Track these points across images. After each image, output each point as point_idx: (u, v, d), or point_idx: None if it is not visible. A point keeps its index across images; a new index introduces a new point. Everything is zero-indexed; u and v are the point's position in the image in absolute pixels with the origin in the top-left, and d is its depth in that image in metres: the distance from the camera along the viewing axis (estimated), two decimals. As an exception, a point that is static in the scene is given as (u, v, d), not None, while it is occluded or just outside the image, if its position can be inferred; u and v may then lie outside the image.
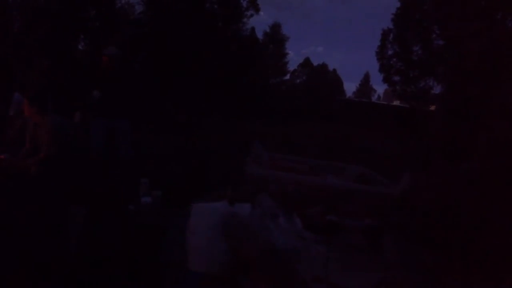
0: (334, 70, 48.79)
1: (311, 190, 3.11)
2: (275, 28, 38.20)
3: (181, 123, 9.66)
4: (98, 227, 3.17)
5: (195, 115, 11.68)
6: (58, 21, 14.23)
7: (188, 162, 4.98)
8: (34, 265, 2.50)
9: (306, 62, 45.59)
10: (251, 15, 24.41)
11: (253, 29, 28.13)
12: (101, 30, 17.31)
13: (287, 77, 40.49)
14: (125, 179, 4.42)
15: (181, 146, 6.38)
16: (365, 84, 53.05)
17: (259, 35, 33.73)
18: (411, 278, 2.47)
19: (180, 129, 8.73)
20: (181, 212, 2.84)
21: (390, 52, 28.16)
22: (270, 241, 2.26)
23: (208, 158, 5.06)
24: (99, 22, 17.68)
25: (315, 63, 46.21)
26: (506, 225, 2.61)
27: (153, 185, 3.91)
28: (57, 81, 9.24)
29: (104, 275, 2.60)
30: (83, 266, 2.71)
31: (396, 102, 34.39)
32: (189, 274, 2.23)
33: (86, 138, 4.77)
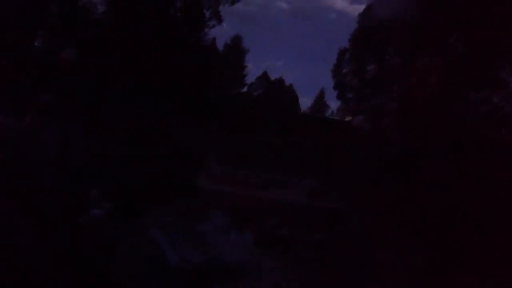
0: (291, 85, 49.68)
1: (263, 204, 3.13)
2: (236, 40, 38.48)
3: (135, 131, 9.44)
4: (46, 240, 3.00)
5: (150, 122, 11.46)
6: (13, 14, 13.51)
7: (140, 172, 4.88)
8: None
9: (264, 76, 46.16)
10: (213, 26, 24.49)
11: (214, 39, 28.20)
12: (61, 28, 16.67)
13: (245, 89, 40.74)
14: (75, 189, 4.23)
15: (134, 155, 6.24)
16: (320, 100, 54.44)
17: (220, 46, 33.83)
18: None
19: (134, 136, 8.53)
20: (133, 226, 2.77)
21: (345, 70, 29.29)
22: (220, 256, 2.25)
23: (161, 168, 4.98)
24: (60, 19, 17.04)
25: (273, 77, 46.84)
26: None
27: (105, 196, 3.77)
28: (6, 80, 8.75)
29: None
30: (30, 280, 2.55)
31: (348, 118, 35.56)
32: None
33: (36, 143, 4.55)
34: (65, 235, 3.13)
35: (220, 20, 24.83)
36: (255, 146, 11.46)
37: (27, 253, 2.82)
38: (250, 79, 44.87)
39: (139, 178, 4.38)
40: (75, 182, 4.35)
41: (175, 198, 3.19)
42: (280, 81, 47.63)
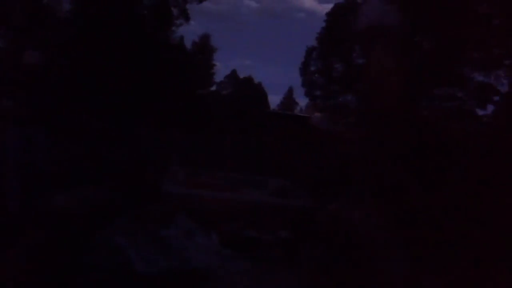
0: (260, 83, 49.86)
1: (229, 206, 3.15)
2: (204, 38, 38.21)
3: (100, 132, 9.23)
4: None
5: (116, 124, 11.24)
6: None
7: (105, 176, 4.78)
8: None
9: (233, 74, 46.13)
10: (181, 24, 24.22)
11: (182, 37, 27.89)
12: (25, 27, 16.03)
13: (214, 88, 40.57)
14: (40, 195, 4.09)
15: (99, 157, 6.10)
16: (288, 98, 54.96)
17: (188, 44, 33.50)
18: (328, 284, 2.59)
19: (99, 138, 8.33)
20: (99, 232, 2.71)
21: (313, 69, 29.73)
22: (187, 260, 2.25)
23: (126, 171, 4.90)
24: (23, 17, 16.39)
25: (241, 76, 46.88)
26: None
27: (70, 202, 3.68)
28: None
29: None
30: None
31: (317, 115, 36.11)
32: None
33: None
34: (28, 242, 3.03)
35: (187, 18, 24.58)
36: (222, 146, 11.46)
37: None
38: (219, 77, 44.70)
39: (102, 183, 4.29)
40: (38, 188, 4.22)
41: (140, 203, 3.16)
42: (249, 79, 47.74)
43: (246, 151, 10.36)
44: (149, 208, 2.78)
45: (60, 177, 4.88)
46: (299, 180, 4.43)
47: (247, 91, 43.56)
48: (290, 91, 55.56)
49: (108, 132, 9.85)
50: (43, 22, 17.20)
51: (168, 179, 3.36)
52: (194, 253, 2.29)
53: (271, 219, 3.35)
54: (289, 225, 3.30)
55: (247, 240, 2.83)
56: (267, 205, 3.40)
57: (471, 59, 17.68)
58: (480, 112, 17.88)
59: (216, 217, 3.06)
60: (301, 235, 3.19)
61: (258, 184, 4.32)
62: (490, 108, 17.22)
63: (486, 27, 15.88)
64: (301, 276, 2.47)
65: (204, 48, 37.89)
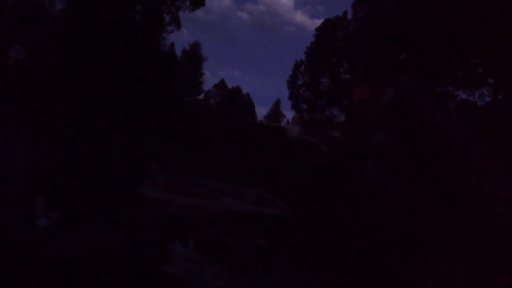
0: (248, 94, 50.16)
1: (207, 213, 3.21)
2: (195, 46, 38.37)
3: (84, 137, 9.19)
4: None
5: (100, 129, 11.18)
6: None
7: (86, 180, 4.78)
8: None
9: (221, 84, 46.31)
10: (172, 31, 24.32)
11: (172, 45, 27.97)
12: (16, 23, 15.89)
13: (201, 96, 40.64)
14: (20, 197, 4.08)
15: (81, 162, 6.09)
16: (275, 109, 55.31)
17: (178, 52, 33.61)
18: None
19: (82, 143, 8.31)
20: (77, 235, 2.74)
21: (300, 82, 30.07)
22: (163, 265, 2.30)
23: (107, 176, 4.91)
24: (16, 13, 16.27)
25: (229, 86, 47.12)
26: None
27: (50, 205, 3.69)
28: None
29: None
30: None
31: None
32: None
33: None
34: (9, 245, 3.03)
35: (179, 26, 24.72)
36: (205, 154, 11.51)
37: None
38: (207, 86, 44.88)
39: (83, 186, 4.30)
40: (20, 189, 4.20)
41: (119, 207, 3.20)
42: (237, 90, 47.97)
43: (229, 160, 10.43)
44: (128, 211, 2.83)
45: (41, 179, 4.87)
46: (277, 189, 4.51)
47: (235, 101, 43.74)
48: (277, 103, 56.01)
49: (91, 134, 9.81)
50: (34, 20, 17.10)
51: (147, 184, 3.41)
52: (168, 256, 2.35)
53: (248, 227, 3.42)
54: (265, 233, 3.37)
55: (223, 246, 2.89)
56: (244, 213, 3.47)
57: (456, 77, 18.13)
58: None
59: (193, 223, 3.11)
60: (276, 242, 3.26)
61: (237, 192, 4.38)
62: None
63: (472, 45, 16.34)
64: (271, 280, 2.55)
65: (194, 57, 38.06)
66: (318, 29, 29.51)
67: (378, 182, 2.52)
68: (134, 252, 2.31)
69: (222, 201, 3.69)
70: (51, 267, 2.38)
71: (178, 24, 24.04)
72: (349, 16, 27.29)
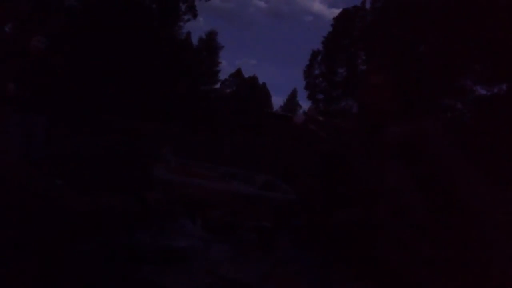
0: (264, 83, 50.10)
1: (216, 195, 3.36)
2: (211, 35, 38.42)
3: (102, 123, 9.47)
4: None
5: (117, 115, 11.47)
6: None
7: (103, 164, 4.99)
8: None
9: (238, 73, 46.31)
10: (188, 20, 24.48)
11: (188, 33, 28.12)
12: (32, 13, 16.25)
13: (218, 85, 40.81)
14: (38, 180, 4.29)
15: (98, 147, 6.31)
16: (292, 100, 55.12)
17: (195, 40, 33.76)
18: (300, 272, 2.77)
19: (100, 129, 8.57)
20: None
21: (316, 72, 29.92)
22: (169, 239, 2.47)
23: (123, 160, 5.11)
24: (31, 3, 16.63)
25: (246, 75, 47.09)
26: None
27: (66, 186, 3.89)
28: None
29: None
30: None
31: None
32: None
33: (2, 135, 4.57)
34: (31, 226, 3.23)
35: (195, 15, 24.85)
36: (219, 141, 11.68)
37: None
38: (224, 75, 45.00)
39: (99, 170, 4.49)
40: (39, 173, 4.41)
41: (133, 189, 3.38)
42: (253, 79, 47.93)
43: (243, 147, 10.59)
44: (142, 192, 3.00)
45: (58, 164, 5.09)
46: (286, 175, 4.64)
47: (251, 90, 43.77)
48: (293, 93, 55.77)
49: (107, 121, 10.08)
50: (50, 10, 17.42)
51: (161, 167, 3.58)
52: (176, 233, 2.51)
53: (254, 209, 3.56)
54: (271, 215, 3.51)
55: (229, 226, 3.04)
56: (251, 196, 3.61)
57: (474, 72, 17.83)
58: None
59: (202, 205, 3.27)
60: (281, 225, 3.40)
61: (247, 177, 4.53)
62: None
63: (492, 40, 16.03)
64: (272, 258, 2.69)
65: (210, 45, 38.16)
66: (335, 18, 29.24)
67: (381, 177, 2.56)
68: (144, 219, 2.48)
69: (231, 184, 3.84)
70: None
71: (194, 13, 24.18)
72: (367, 5, 26.93)
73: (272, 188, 4.15)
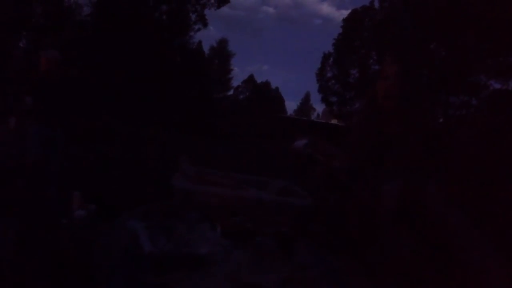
0: (277, 88, 50.17)
1: (233, 202, 3.41)
2: (222, 43, 38.77)
3: (117, 133, 9.63)
4: (30, 240, 3.19)
5: (132, 125, 11.64)
6: None
7: (120, 174, 5.10)
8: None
9: (250, 79, 46.51)
10: (199, 29, 24.76)
11: (200, 43, 28.43)
12: (45, 29, 16.67)
13: (231, 92, 41.05)
14: (58, 191, 4.43)
15: (114, 157, 6.44)
16: (305, 103, 55.00)
17: (206, 49, 34.09)
18: (318, 278, 2.80)
19: (115, 139, 8.72)
20: (113, 226, 3.00)
21: (329, 74, 29.86)
22: (189, 246, 2.53)
23: (140, 170, 5.21)
24: (45, 19, 17.06)
25: (258, 81, 47.25)
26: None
27: (86, 198, 4.00)
28: None
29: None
30: (15, 279, 2.74)
31: (334, 121, 36.23)
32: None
33: (22, 146, 4.71)
34: (50, 234, 3.34)
35: (205, 24, 25.11)
36: (234, 148, 11.75)
37: (11, 253, 3.02)
38: (237, 82, 45.27)
39: (119, 180, 4.60)
40: (58, 184, 4.54)
41: (152, 197, 3.46)
42: (266, 84, 48.07)
43: (258, 153, 10.63)
44: (161, 201, 3.07)
45: (78, 175, 5.23)
46: (303, 182, 4.65)
47: (264, 96, 43.87)
48: (307, 97, 55.69)
49: (123, 131, 10.23)
50: (64, 24, 17.81)
51: (178, 176, 3.64)
52: (197, 240, 2.57)
53: (272, 215, 3.60)
54: (289, 221, 3.55)
55: (248, 233, 3.08)
56: (268, 202, 3.65)
57: (487, 66, 17.56)
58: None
59: (220, 212, 3.32)
60: (299, 230, 3.43)
61: (263, 184, 4.55)
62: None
63: (504, 32, 15.75)
64: (292, 263, 2.72)
65: (222, 53, 38.45)
66: (345, 19, 29.18)
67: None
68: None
69: (247, 191, 3.88)
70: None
71: (204, 22, 24.45)
72: (376, 5, 26.81)
73: (289, 193, 4.17)
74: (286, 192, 4.25)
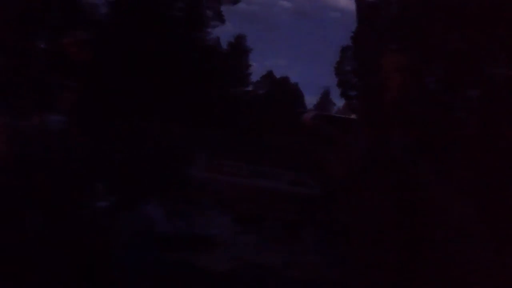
0: (296, 83, 49.90)
1: (245, 190, 3.61)
2: (240, 39, 38.80)
3: (135, 128, 9.89)
4: (54, 230, 3.39)
5: (150, 120, 11.93)
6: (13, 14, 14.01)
7: (139, 167, 5.33)
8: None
9: (269, 74, 46.42)
10: (216, 25, 24.89)
11: (217, 38, 28.61)
12: (61, 28, 17.13)
13: (249, 87, 41.14)
14: (79, 181, 4.65)
15: (133, 151, 6.68)
16: (325, 98, 54.64)
17: (224, 45, 34.22)
18: (320, 260, 2.99)
19: (133, 134, 8.97)
20: (135, 215, 3.23)
21: (347, 68, 29.50)
22: (201, 228, 2.75)
23: (160, 162, 5.43)
24: (60, 19, 17.51)
25: (277, 76, 47.06)
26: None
27: (109, 189, 4.26)
28: (7, 81, 9.11)
29: (58, 278, 2.84)
30: (38, 267, 2.92)
31: (354, 116, 35.79)
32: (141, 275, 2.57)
33: (43, 142, 4.95)
34: (74, 224, 3.58)
35: (222, 20, 25.26)
36: (251, 143, 11.91)
37: (36, 242, 3.24)
38: (255, 77, 45.19)
39: (140, 170, 4.83)
40: (80, 177, 4.77)
41: (171, 185, 3.70)
42: (285, 79, 47.86)
43: (275, 146, 10.77)
44: (178, 189, 3.31)
45: (99, 168, 5.46)
46: (311, 172, 4.82)
47: (284, 91, 43.77)
48: (326, 91, 55.20)
49: (143, 130, 10.55)
50: (80, 23, 18.20)
51: (195, 167, 3.87)
52: (207, 224, 2.79)
53: (282, 204, 3.79)
54: (297, 210, 3.73)
55: (257, 219, 3.29)
56: (279, 191, 3.84)
57: (501, 60, 17.11)
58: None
59: (232, 199, 3.54)
60: (306, 218, 3.61)
61: (277, 175, 4.74)
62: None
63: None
64: (296, 249, 2.91)
65: (239, 49, 38.51)
66: (360, 12, 28.71)
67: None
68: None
69: (259, 180, 4.08)
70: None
71: (221, 18, 24.56)
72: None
73: (299, 184, 4.35)
74: (297, 182, 4.43)
